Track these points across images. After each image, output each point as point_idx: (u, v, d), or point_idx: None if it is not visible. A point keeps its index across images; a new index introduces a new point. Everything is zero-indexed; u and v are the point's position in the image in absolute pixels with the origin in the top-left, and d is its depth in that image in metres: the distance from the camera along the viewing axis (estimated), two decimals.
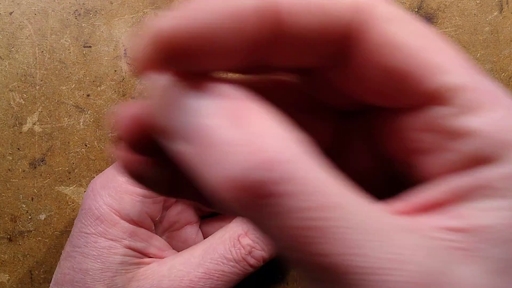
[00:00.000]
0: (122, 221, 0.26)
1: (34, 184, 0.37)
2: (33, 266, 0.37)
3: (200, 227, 0.35)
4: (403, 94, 0.14)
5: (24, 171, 0.37)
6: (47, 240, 0.37)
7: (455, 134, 0.14)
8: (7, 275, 0.37)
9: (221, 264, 0.26)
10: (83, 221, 0.27)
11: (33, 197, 0.37)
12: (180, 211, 0.33)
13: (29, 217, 0.37)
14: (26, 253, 0.37)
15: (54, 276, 0.28)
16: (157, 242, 0.28)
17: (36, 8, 0.37)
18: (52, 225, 0.37)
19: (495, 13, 0.37)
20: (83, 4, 0.37)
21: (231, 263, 0.26)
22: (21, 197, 0.37)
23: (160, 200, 0.28)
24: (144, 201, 0.27)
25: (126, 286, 0.26)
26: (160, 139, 0.13)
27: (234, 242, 0.26)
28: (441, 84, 0.13)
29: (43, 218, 0.37)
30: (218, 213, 0.35)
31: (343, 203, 0.11)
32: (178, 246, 0.30)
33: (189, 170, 0.12)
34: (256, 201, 0.11)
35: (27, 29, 0.37)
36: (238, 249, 0.26)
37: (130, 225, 0.27)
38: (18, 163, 0.37)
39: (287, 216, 0.11)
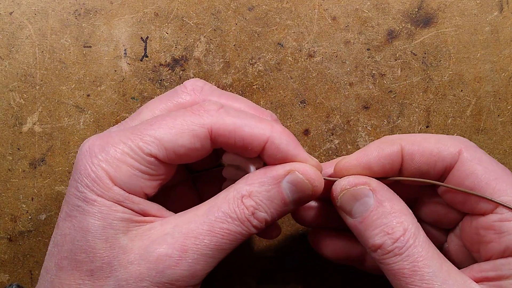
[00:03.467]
0: (116, 187, 0.26)
1: (34, 184, 0.37)
2: (33, 266, 0.37)
3: (193, 184, 0.34)
4: (478, 205, 0.28)
5: (24, 171, 0.37)
6: (47, 240, 0.37)
7: (502, 232, 0.27)
8: (7, 275, 0.37)
9: (226, 222, 0.26)
10: (79, 181, 0.26)
11: (33, 197, 0.37)
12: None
13: (29, 217, 0.37)
14: (26, 253, 0.37)
15: (52, 238, 0.27)
16: (155, 206, 0.28)
17: (36, 8, 0.37)
18: (52, 225, 0.37)
19: (495, 13, 0.37)
20: (83, 4, 0.37)
21: (236, 222, 0.26)
22: (21, 197, 0.37)
23: (159, 178, 0.28)
24: (140, 175, 0.26)
25: (130, 245, 0.25)
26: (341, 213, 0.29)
27: (237, 203, 0.26)
28: (499, 201, 0.26)
29: (43, 218, 0.37)
30: (209, 169, 0.35)
31: (435, 268, 0.26)
32: (174, 207, 0.29)
33: (355, 233, 0.28)
34: (383, 259, 0.27)
35: (27, 29, 0.37)
36: (241, 209, 0.26)
37: (124, 191, 0.26)
38: (18, 163, 0.37)
39: (397, 265, 0.26)
